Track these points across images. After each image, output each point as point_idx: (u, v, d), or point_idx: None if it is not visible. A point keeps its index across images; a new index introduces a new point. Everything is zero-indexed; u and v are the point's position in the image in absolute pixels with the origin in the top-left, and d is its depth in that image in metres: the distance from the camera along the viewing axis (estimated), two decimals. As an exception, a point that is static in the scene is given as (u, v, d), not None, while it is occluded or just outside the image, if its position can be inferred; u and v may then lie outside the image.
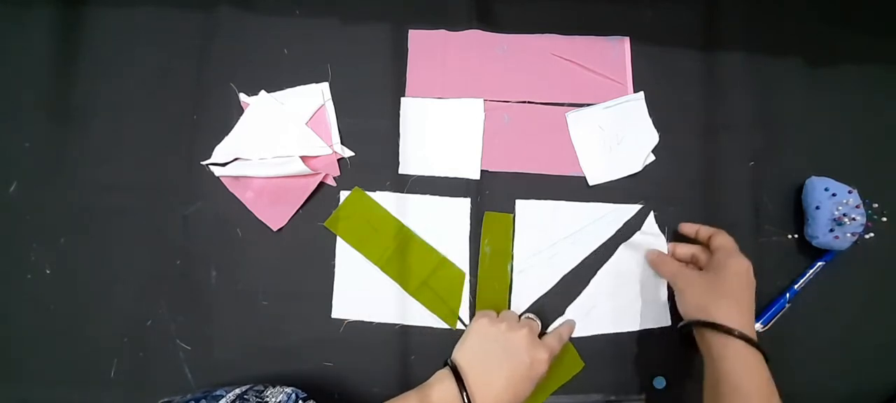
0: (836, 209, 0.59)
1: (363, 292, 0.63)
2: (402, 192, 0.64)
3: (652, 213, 0.64)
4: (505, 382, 0.52)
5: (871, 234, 0.61)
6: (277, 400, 0.50)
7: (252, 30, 0.68)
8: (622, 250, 0.63)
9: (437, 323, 0.62)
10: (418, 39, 0.68)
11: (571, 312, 0.62)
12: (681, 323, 0.56)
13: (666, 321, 0.62)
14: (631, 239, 0.63)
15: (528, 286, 0.62)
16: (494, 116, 0.66)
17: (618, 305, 0.62)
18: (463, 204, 0.64)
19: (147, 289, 0.63)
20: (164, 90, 0.66)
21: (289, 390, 0.52)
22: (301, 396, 0.52)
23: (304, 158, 0.63)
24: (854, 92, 0.66)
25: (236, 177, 0.64)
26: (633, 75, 0.67)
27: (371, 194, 0.64)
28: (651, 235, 0.63)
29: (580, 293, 0.63)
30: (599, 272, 0.63)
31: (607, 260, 0.63)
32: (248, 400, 0.49)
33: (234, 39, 0.67)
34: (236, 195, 0.64)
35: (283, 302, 0.63)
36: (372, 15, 0.68)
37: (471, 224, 0.64)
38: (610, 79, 0.67)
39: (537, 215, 0.64)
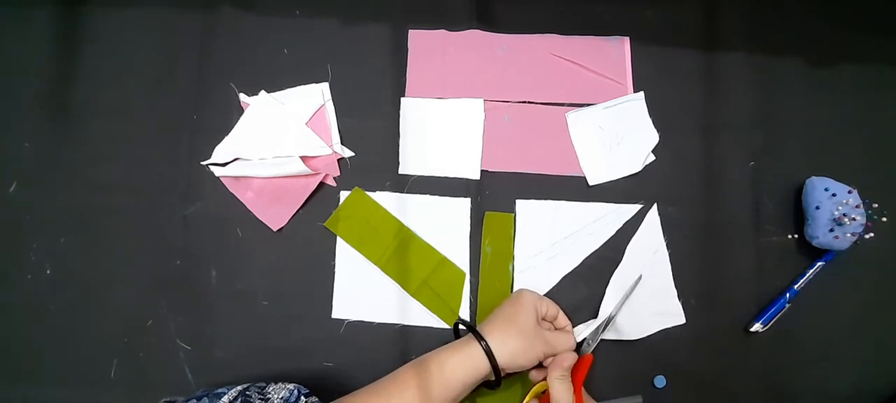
0: (836, 209, 0.59)
1: (363, 292, 0.63)
2: (402, 192, 0.64)
3: (655, 206, 0.64)
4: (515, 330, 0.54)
5: (871, 234, 0.61)
6: (280, 397, 0.50)
7: (252, 30, 0.68)
8: (628, 256, 0.63)
9: (437, 322, 0.62)
10: (418, 39, 0.68)
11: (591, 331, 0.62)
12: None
13: (680, 319, 0.62)
14: (632, 240, 0.63)
15: (530, 286, 0.62)
16: (494, 116, 0.66)
17: (632, 312, 0.62)
18: (463, 204, 0.64)
19: (147, 289, 0.63)
20: (164, 90, 0.67)
21: (291, 386, 0.52)
22: (303, 392, 0.52)
23: (304, 158, 0.63)
24: (854, 92, 0.66)
25: (236, 177, 0.64)
26: (633, 75, 0.67)
27: (371, 194, 0.64)
28: (652, 231, 0.63)
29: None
30: (610, 283, 0.62)
31: (615, 269, 0.63)
32: (251, 397, 0.49)
33: (234, 39, 0.67)
34: (236, 195, 0.64)
35: (283, 302, 0.63)
36: (372, 15, 0.68)
37: (471, 224, 0.64)
38: (610, 79, 0.67)
39: (538, 215, 0.64)
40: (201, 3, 0.68)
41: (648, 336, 0.62)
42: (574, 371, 0.56)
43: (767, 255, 0.63)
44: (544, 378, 0.56)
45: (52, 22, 0.68)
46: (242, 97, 0.66)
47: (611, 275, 0.63)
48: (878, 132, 0.66)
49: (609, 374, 0.61)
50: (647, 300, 0.62)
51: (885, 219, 0.62)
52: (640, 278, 0.61)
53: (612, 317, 0.60)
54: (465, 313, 0.62)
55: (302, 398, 0.51)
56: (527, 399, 0.57)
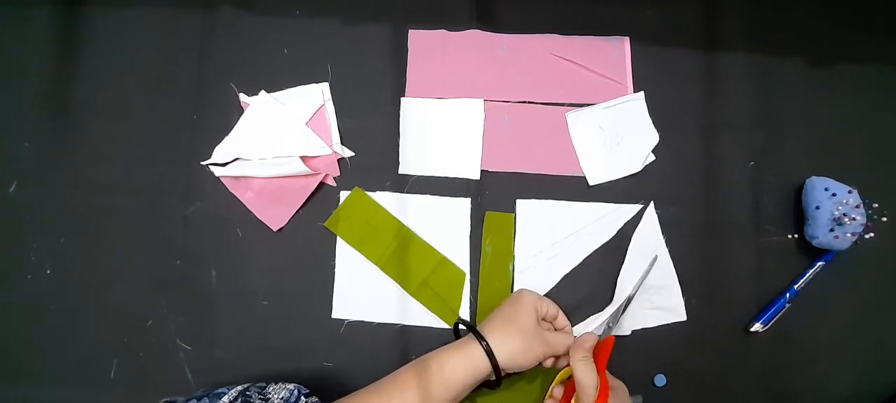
0: (836, 209, 0.59)
1: (363, 292, 0.63)
2: (402, 192, 0.64)
3: (652, 205, 0.64)
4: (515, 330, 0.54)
5: (871, 234, 0.61)
6: (280, 397, 0.50)
7: (252, 30, 0.68)
8: (629, 256, 0.63)
9: (437, 322, 0.62)
10: (418, 39, 0.68)
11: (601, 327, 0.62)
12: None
13: (682, 316, 0.62)
14: (633, 240, 0.63)
15: (530, 286, 0.62)
16: (494, 116, 0.66)
17: (636, 310, 0.62)
18: (463, 204, 0.64)
19: (147, 289, 0.63)
20: (164, 90, 0.67)
21: (291, 386, 0.52)
22: (303, 392, 0.52)
23: (304, 158, 0.63)
24: (854, 92, 0.66)
25: (236, 177, 0.64)
26: (633, 75, 0.67)
27: (371, 194, 0.64)
28: (652, 230, 0.63)
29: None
30: (617, 282, 0.62)
31: (614, 269, 0.63)
32: (251, 397, 0.49)
33: (234, 39, 0.67)
34: (236, 195, 0.64)
35: (283, 302, 0.63)
36: (372, 15, 0.68)
37: (471, 224, 0.64)
38: (610, 79, 0.67)
39: (538, 215, 0.64)
40: (201, 3, 0.68)
41: (649, 336, 0.62)
42: (597, 353, 0.56)
43: (767, 255, 0.63)
44: (567, 364, 0.56)
45: (52, 22, 0.68)
46: (242, 97, 0.66)
47: (611, 275, 0.63)
48: (878, 132, 0.66)
49: (610, 372, 0.61)
50: (650, 296, 0.62)
51: (885, 219, 0.62)
52: (656, 258, 0.61)
53: (631, 299, 0.60)
54: (465, 313, 0.62)
55: (302, 398, 0.51)
56: (553, 384, 0.57)
